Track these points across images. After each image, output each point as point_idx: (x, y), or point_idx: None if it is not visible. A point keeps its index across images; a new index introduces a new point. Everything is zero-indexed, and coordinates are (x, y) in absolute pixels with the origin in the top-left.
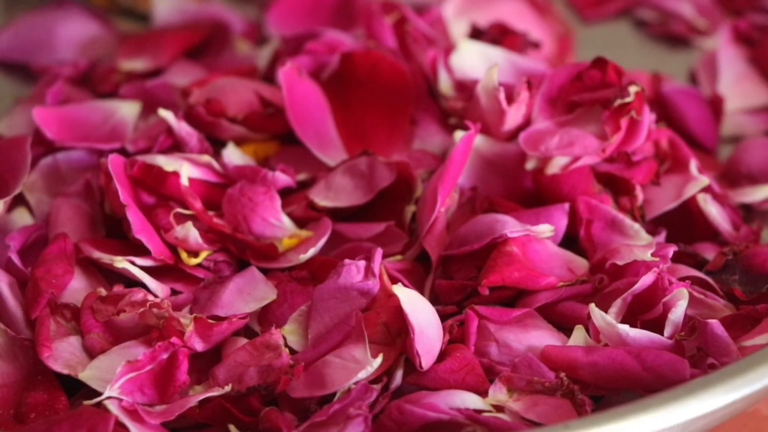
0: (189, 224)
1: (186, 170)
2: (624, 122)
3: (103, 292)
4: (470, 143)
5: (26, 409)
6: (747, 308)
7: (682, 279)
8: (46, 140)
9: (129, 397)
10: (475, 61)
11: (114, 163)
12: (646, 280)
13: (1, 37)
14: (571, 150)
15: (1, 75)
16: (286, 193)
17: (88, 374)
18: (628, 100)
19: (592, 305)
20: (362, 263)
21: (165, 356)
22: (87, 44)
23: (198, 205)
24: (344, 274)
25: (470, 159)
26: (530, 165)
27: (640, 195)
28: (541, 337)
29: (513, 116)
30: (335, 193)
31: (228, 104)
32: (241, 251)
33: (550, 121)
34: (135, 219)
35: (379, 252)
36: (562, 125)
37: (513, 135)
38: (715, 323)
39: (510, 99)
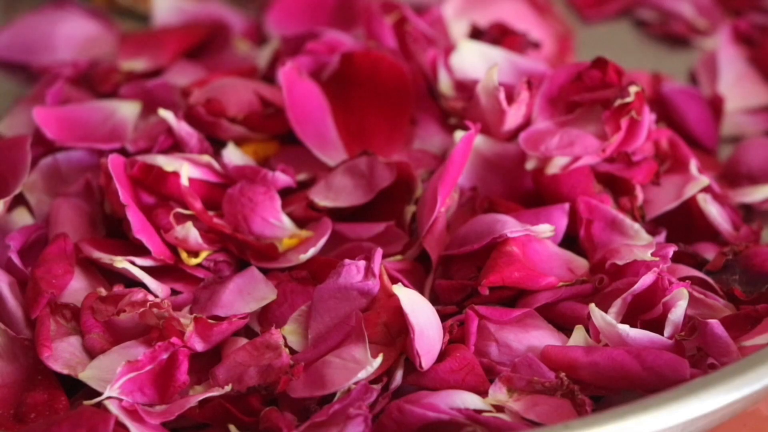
0: (189, 224)
1: (186, 170)
2: (624, 122)
3: (103, 292)
4: (470, 143)
5: (26, 409)
6: (747, 308)
7: (682, 279)
8: (46, 140)
9: (129, 397)
10: (475, 61)
11: (114, 163)
12: (646, 280)
13: (1, 36)
14: (571, 150)
15: (1, 75)
16: (286, 193)
17: (88, 374)
18: (628, 100)
19: (592, 305)
20: (362, 263)
21: (165, 356)
22: (87, 44)
23: (198, 205)
24: (344, 274)
25: (470, 159)
26: (530, 165)
27: (640, 195)
28: (541, 337)
29: (513, 116)
30: (335, 193)
31: (228, 104)
32: (241, 251)
33: (550, 121)
34: (135, 219)
35: (378, 252)
36: (562, 125)
37: (513, 135)
38: (715, 323)
39: (510, 99)
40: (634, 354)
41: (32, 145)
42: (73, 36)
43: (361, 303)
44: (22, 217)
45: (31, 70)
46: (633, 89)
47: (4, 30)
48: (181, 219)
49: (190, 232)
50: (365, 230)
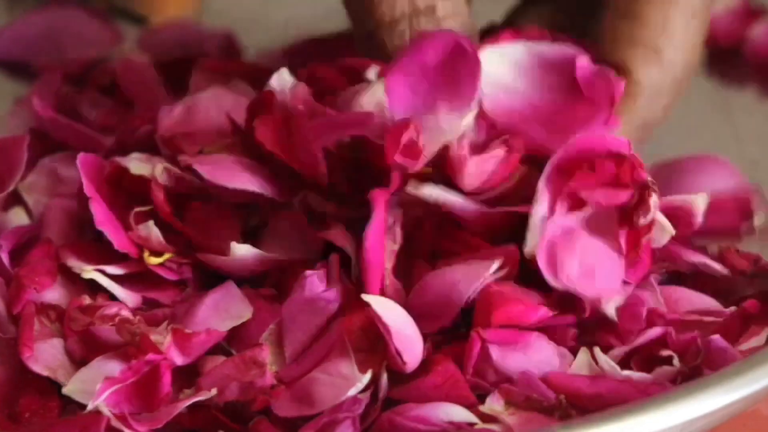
0: (151, 223)
1: (159, 170)
2: (645, 244)
3: (87, 299)
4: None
5: (20, 408)
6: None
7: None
8: (46, 140)
9: (116, 409)
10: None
11: (83, 160)
12: (651, 333)
13: (2, 36)
14: (592, 284)
15: (1, 75)
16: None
17: (71, 388)
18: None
19: (597, 349)
20: (322, 272)
21: (145, 370)
22: (87, 44)
23: (161, 195)
24: (308, 286)
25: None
26: None
27: None
28: (542, 353)
29: (474, 168)
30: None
31: (194, 135)
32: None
33: (565, 216)
34: (98, 210)
35: (335, 257)
36: (573, 231)
37: (480, 191)
38: (717, 338)
39: (480, 149)
40: (641, 389)
41: (31, 145)
42: (74, 35)
43: (330, 310)
44: (19, 217)
45: (32, 69)
46: (654, 200)
47: (5, 30)
48: (142, 217)
49: (152, 231)
50: None
